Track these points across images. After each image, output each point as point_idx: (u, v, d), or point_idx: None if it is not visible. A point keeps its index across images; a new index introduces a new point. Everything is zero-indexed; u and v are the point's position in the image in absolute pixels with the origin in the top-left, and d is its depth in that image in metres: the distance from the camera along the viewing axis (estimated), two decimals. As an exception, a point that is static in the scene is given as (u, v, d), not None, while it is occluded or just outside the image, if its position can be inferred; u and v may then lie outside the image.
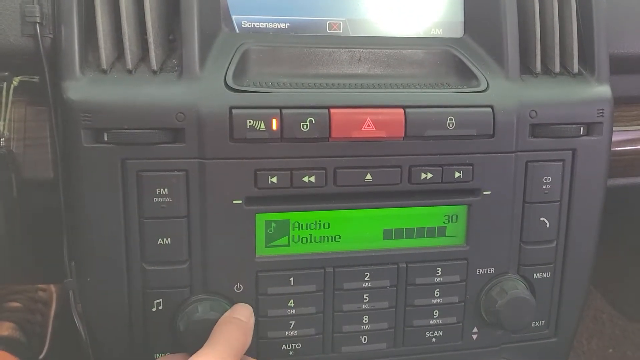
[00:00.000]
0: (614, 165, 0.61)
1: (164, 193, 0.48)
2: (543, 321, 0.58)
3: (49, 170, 0.53)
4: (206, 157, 0.48)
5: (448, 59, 0.56)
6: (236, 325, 0.47)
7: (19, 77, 0.53)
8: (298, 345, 0.53)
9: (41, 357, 1.07)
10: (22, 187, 0.53)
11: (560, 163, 0.55)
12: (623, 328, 1.42)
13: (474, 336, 0.57)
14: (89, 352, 0.52)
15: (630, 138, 0.69)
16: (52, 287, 1.15)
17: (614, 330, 1.42)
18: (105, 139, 0.47)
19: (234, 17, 0.54)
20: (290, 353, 0.53)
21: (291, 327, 0.52)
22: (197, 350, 0.45)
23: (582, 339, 1.41)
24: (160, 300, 0.50)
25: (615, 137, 0.60)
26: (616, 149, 0.66)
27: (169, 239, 0.49)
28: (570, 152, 0.55)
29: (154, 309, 0.50)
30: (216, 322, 0.48)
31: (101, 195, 0.48)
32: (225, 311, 0.50)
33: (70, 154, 0.47)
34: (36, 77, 0.52)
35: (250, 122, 0.48)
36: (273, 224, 0.51)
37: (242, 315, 0.49)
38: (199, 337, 0.47)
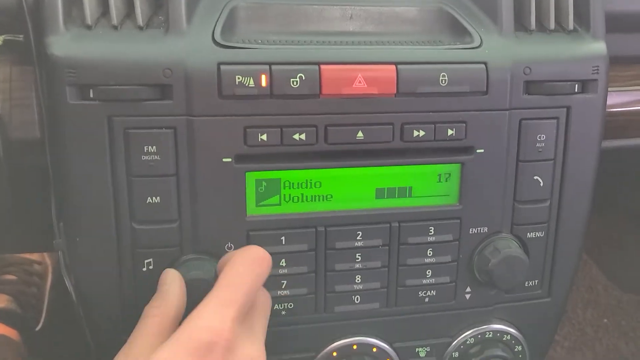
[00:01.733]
0: (609, 126, 0.60)
1: (152, 151, 0.47)
2: (536, 281, 0.58)
3: (36, 130, 0.52)
4: (194, 114, 0.47)
5: (441, 16, 0.55)
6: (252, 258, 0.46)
7: (2, 36, 0.52)
8: (290, 305, 0.53)
9: (38, 328, 1.08)
10: (9, 149, 0.52)
11: (555, 121, 0.54)
12: (618, 298, 1.43)
13: (467, 296, 0.57)
14: (80, 312, 0.52)
15: (626, 100, 0.68)
16: (48, 260, 1.15)
17: (609, 301, 1.43)
18: (91, 95, 0.46)
19: (221, -27, 0.53)
20: (283, 313, 0.53)
21: (283, 287, 0.52)
22: (189, 308, 0.45)
23: (577, 309, 1.42)
24: (151, 259, 0.49)
25: (611, 99, 0.60)
26: (611, 110, 0.65)
27: (158, 198, 0.48)
28: (565, 109, 0.54)
29: (144, 269, 0.49)
30: (207, 282, 0.48)
31: (88, 153, 0.47)
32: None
33: (55, 112, 0.47)
34: (20, 35, 0.51)
35: (239, 78, 0.47)
36: (264, 183, 0.50)
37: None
38: (190, 297, 0.47)
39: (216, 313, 0.42)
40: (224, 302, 0.42)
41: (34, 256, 1.15)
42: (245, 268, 0.45)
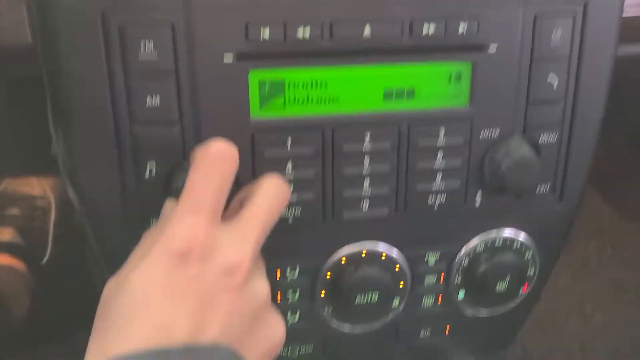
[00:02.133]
0: (625, 27, 0.58)
1: (150, 48, 0.45)
2: (548, 185, 0.57)
3: (27, 33, 0.50)
4: (193, 8, 0.45)
5: None
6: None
7: None
8: (297, 211, 0.52)
9: (44, 262, 1.08)
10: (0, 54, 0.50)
11: (571, 17, 0.52)
12: (622, 228, 1.43)
13: (478, 201, 0.55)
14: (84, 221, 0.51)
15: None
16: (50, 195, 1.14)
17: (613, 231, 1.43)
18: (83, -10, 0.43)
19: None
20: (290, 219, 0.52)
21: (290, 192, 0.51)
22: None
23: (581, 239, 1.42)
24: (153, 164, 0.48)
25: (629, 1, 0.57)
26: (628, 12, 0.62)
27: (157, 98, 0.46)
28: (582, 5, 0.52)
29: (146, 173, 0.48)
30: None
31: (82, 53, 0.45)
32: None
33: (46, 12, 0.44)
34: None
35: (238, -32, 0.44)
36: (267, 83, 0.48)
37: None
38: None
39: (186, 221, 0.41)
40: (192, 209, 0.41)
41: (37, 191, 1.15)
42: (207, 168, 0.42)
